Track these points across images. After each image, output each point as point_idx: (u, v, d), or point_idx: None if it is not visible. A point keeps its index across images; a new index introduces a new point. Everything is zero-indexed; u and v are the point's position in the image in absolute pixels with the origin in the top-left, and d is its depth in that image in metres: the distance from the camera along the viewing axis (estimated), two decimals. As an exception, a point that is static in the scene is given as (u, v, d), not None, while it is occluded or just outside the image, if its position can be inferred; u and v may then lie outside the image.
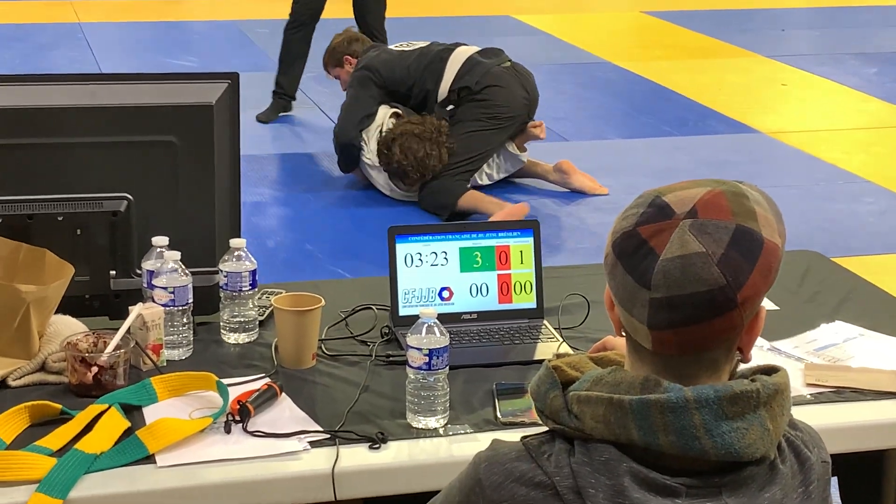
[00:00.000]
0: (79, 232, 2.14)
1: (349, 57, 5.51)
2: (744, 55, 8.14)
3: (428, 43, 5.44)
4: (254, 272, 2.20)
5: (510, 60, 5.38)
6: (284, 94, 6.38)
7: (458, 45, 5.41)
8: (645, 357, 1.36)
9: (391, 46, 5.53)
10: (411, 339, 1.94)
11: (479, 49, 5.38)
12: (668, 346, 1.33)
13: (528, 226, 2.38)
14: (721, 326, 1.31)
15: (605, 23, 9.37)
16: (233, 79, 2.28)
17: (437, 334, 1.94)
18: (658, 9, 9.70)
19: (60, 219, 2.13)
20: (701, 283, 1.29)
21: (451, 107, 5.25)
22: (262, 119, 6.29)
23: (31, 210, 2.12)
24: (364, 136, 5.19)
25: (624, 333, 1.38)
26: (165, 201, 2.24)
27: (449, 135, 5.09)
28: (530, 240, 2.37)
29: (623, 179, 5.53)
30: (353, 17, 6.47)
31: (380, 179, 5.18)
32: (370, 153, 5.16)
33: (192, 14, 9.26)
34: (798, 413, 1.45)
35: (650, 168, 5.72)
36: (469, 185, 5.14)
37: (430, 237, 2.33)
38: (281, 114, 6.40)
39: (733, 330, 1.33)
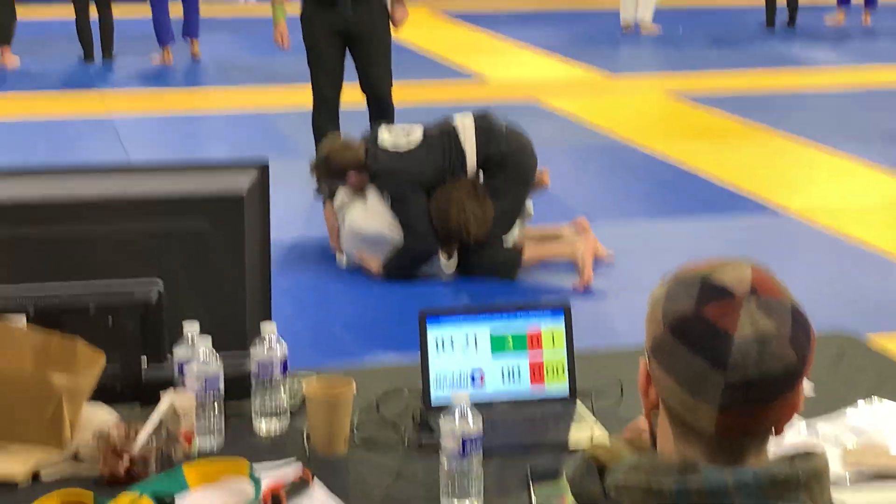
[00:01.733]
0: (110, 320, 2.15)
1: (353, 172, 5.34)
2: (771, 136, 8.16)
3: (420, 128, 5.44)
4: (285, 358, 2.20)
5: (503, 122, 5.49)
6: None
7: (447, 119, 5.45)
8: (697, 440, 1.34)
9: (387, 144, 5.37)
10: (444, 425, 1.93)
11: (473, 115, 5.45)
12: (733, 428, 1.32)
13: (559, 308, 2.37)
14: (786, 404, 1.31)
15: (630, 106, 9.42)
16: (263, 167, 2.30)
17: (471, 419, 1.93)
18: (682, 91, 9.75)
19: (92, 307, 2.14)
20: (776, 361, 1.30)
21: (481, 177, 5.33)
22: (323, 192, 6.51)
23: (62, 299, 2.13)
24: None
25: (667, 416, 1.37)
26: (196, 288, 2.25)
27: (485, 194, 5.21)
28: (561, 322, 2.36)
29: (651, 262, 5.52)
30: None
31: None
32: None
33: (220, 105, 9.38)
34: (838, 495, 1.42)
35: (677, 249, 5.70)
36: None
37: (462, 320, 2.32)
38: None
39: (793, 408, 1.32)
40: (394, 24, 6.64)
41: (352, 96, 6.76)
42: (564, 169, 7.34)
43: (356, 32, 6.49)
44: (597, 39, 12.88)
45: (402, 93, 9.34)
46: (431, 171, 5.27)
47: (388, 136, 5.35)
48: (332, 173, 5.36)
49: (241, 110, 9.09)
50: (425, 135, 5.37)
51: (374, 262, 5.26)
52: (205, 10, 14.87)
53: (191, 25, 11.19)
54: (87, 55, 10.83)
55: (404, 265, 5.23)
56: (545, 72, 11.03)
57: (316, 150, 6.57)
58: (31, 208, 2.19)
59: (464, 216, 5.11)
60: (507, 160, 5.31)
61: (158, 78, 10.55)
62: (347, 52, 6.60)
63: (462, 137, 5.33)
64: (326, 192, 5.49)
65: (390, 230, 5.24)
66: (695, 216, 6.29)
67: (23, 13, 11.85)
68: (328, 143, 5.52)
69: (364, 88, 6.68)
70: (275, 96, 9.42)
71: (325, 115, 6.63)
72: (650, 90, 10.04)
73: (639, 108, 9.38)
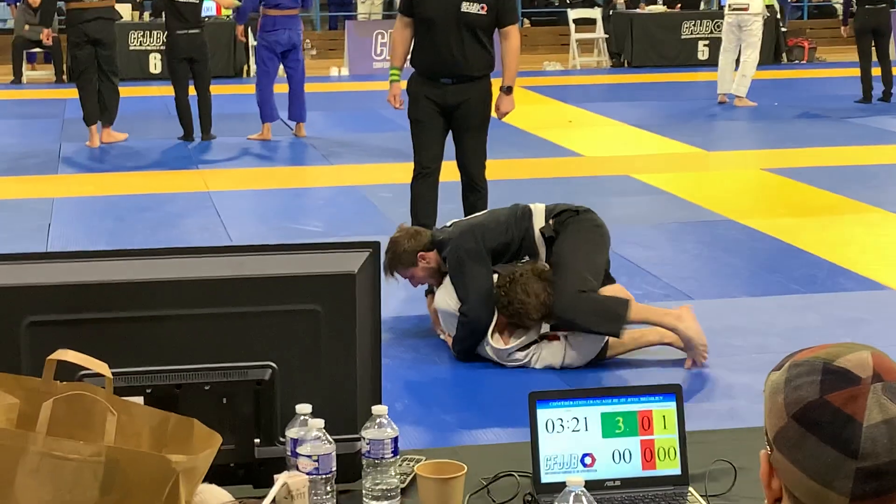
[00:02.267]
0: (225, 401, 2.17)
1: (423, 252, 5.34)
2: (871, 211, 8.05)
3: (489, 210, 5.54)
4: (395, 439, 2.20)
5: None
6: None
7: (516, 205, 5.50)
8: None
9: (453, 221, 5.51)
10: (560, 509, 1.91)
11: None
12: None
13: (670, 390, 2.35)
14: None
15: (726, 181, 9.37)
16: (374, 248, 2.32)
17: (585, 503, 1.90)
18: (779, 166, 9.67)
19: (207, 388, 2.16)
20: None
21: (552, 234, 5.27)
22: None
23: (178, 380, 2.16)
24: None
25: None
26: (308, 369, 2.26)
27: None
28: (673, 404, 2.33)
29: (753, 339, 5.45)
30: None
31: (490, 355, 5.13)
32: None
33: (317, 181, 9.50)
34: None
35: (780, 327, 5.62)
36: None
37: (571, 402, 2.31)
38: None
39: None
40: (497, 114, 6.71)
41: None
42: (662, 245, 7.30)
43: (457, 110, 6.57)
44: (691, 114, 12.85)
45: (491, 168, 9.41)
46: (494, 237, 5.23)
47: (455, 221, 5.52)
48: (406, 262, 5.34)
49: (337, 186, 9.20)
50: (492, 209, 5.44)
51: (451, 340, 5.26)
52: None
53: (298, 109, 11.40)
54: (187, 134, 11.07)
55: (463, 337, 5.10)
56: (639, 147, 11.02)
57: (413, 222, 6.69)
58: (147, 289, 2.23)
59: (526, 297, 4.96)
60: (582, 213, 5.29)
61: (256, 155, 10.73)
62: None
63: (533, 211, 5.36)
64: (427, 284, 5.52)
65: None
66: (797, 292, 6.20)
67: (123, 91, 12.17)
68: (396, 232, 5.53)
69: (459, 166, 6.75)
70: (373, 172, 9.53)
71: (423, 184, 6.72)
72: (746, 165, 9.97)
73: (735, 182, 9.32)
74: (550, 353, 5.05)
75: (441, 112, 6.59)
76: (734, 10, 13.01)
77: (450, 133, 6.71)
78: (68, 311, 2.18)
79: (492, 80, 6.72)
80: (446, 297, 5.21)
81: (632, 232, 7.54)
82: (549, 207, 5.37)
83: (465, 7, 6.44)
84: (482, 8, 6.45)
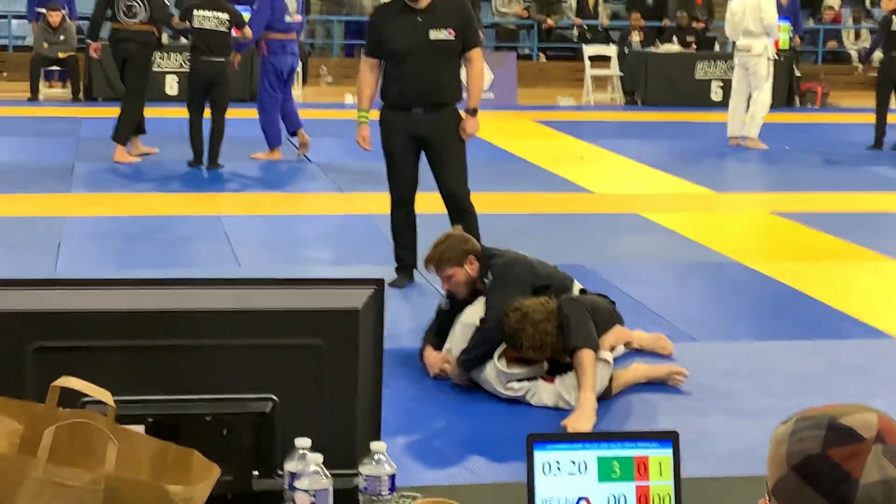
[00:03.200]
0: (225, 432, 2.19)
1: (473, 256, 5.41)
2: (878, 259, 8.06)
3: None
4: (393, 476, 2.22)
5: None
6: (406, 266, 6.93)
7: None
8: None
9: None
10: (552, 553, 1.92)
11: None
12: None
13: (667, 437, 2.36)
14: None
15: (734, 223, 9.38)
16: (378, 284, 2.34)
17: (578, 548, 1.92)
18: (788, 210, 9.68)
19: (208, 419, 2.18)
20: None
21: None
22: (396, 284, 6.80)
23: (180, 410, 2.18)
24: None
25: None
26: (309, 403, 2.28)
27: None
28: (669, 451, 2.34)
29: (756, 382, 5.46)
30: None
31: (490, 375, 5.14)
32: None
33: (327, 208, 9.54)
34: None
35: (784, 371, 5.63)
36: None
37: (569, 445, 2.32)
38: (407, 283, 6.87)
39: None
40: (463, 135, 6.78)
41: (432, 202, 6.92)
42: (667, 284, 7.32)
43: (430, 138, 6.66)
44: (702, 154, 12.89)
45: (500, 202, 9.46)
46: (539, 274, 5.37)
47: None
48: (454, 259, 5.38)
49: (347, 213, 9.24)
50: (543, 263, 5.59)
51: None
52: (311, 113, 15.20)
53: (294, 117, 11.49)
54: (196, 159, 11.03)
55: (475, 346, 5.12)
56: (649, 185, 11.05)
57: (395, 248, 6.88)
58: (152, 319, 2.25)
59: (536, 333, 4.99)
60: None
61: (268, 181, 10.78)
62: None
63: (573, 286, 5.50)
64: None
65: None
66: (801, 338, 6.20)
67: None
68: (451, 230, 5.70)
69: (442, 194, 6.81)
70: (380, 201, 9.55)
71: (401, 215, 6.88)
72: (754, 207, 9.99)
73: (743, 225, 9.34)
74: (546, 394, 5.07)
75: (414, 142, 6.69)
76: (740, 51, 13.08)
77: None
78: (74, 337, 2.21)
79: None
80: (474, 315, 5.27)
81: (639, 271, 7.56)
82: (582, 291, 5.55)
83: (433, 35, 6.57)
84: (450, 32, 6.60)
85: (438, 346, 5.39)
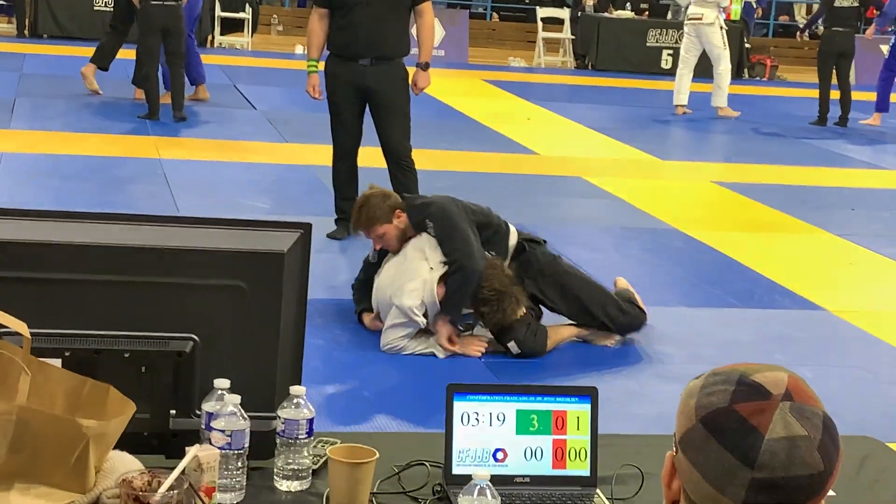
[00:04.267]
0: (143, 370, 2.18)
1: (399, 211, 5.30)
2: (813, 232, 8.15)
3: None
4: (311, 420, 2.22)
5: None
6: (346, 218, 6.80)
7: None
8: None
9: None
10: (463, 501, 1.94)
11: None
12: None
13: (586, 392, 2.38)
14: None
15: (676, 191, 9.44)
16: (305, 229, 2.33)
17: (489, 497, 1.94)
18: (729, 180, 9.76)
19: (127, 356, 2.17)
20: (804, 466, 1.31)
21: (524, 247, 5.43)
22: (335, 236, 6.89)
23: (98, 345, 2.16)
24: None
25: None
26: (230, 344, 2.27)
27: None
28: (588, 406, 2.36)
29: (686, 349, 5.51)
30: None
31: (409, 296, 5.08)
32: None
33: (270, 157, 9.47)
34: None
35: (714, 339, 5.69)
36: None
37: (489, 397, 2.34)
38: (347, 235, 6.83)
39: None
40: (414, 89, 6.76)
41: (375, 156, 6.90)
42: (606, 248, 7.36)
43: (375, 90, 6.63)
44: (649, 121, 12.94)
45: (444, 159, 9.45)
46: (475, 211, 5.34)
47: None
48: (382, 217, 5.25)
49: (289, 164, 9.18)
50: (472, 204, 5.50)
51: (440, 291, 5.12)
52: (261, 62, 15.10)
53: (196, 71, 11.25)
54: (153, 113, 10.39)
55: (457, 288, 5.04)
56: (595, 150, 11.09)
57: (336, 199, 6.87)
58: (73, 252, 2.23)
59: (506, 298, 5.05)
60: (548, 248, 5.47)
61: (211, 126, 10.68)
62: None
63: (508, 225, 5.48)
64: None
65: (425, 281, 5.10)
66: (733, 306, 6.27)
67: (81, 51, 12.06)
68: (368, 190, 5.51)
69: (383, 148, 6.79)
70: (324, 153, 9.50)
71: (343, 167, 6.85)
72: (697, 176, 10.05)
73: (684, 193, 9.39)
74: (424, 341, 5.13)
75: (358, 93, 6.67)
76: (691, 20, 13.12)
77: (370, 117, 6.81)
78: (-6, 268, 2.18)
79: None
80: (415, 259, 5.14)
81: (578, 233, 7.60)
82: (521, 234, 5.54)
83: None
84: None
85: (367, 298, 5.37)
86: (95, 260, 2.24)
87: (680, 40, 17.59)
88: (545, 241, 5.61)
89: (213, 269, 2.27)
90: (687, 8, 13.37)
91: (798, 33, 14.30)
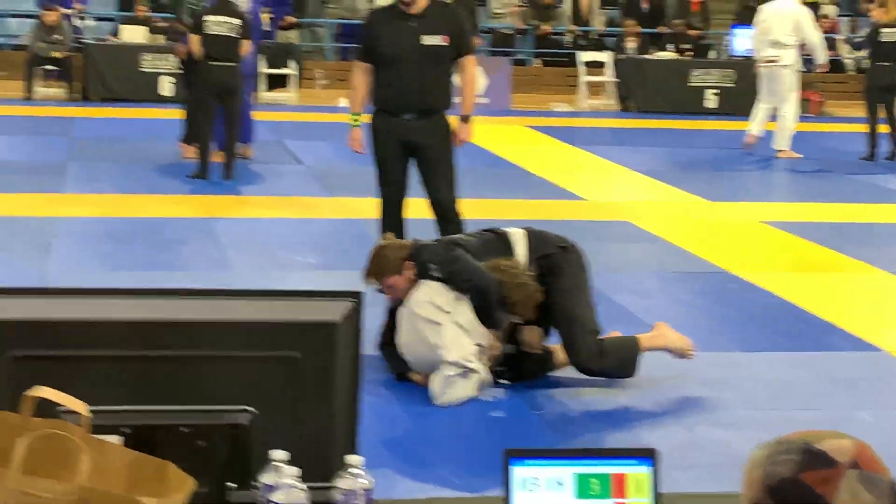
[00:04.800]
0: (200, 444, 2.19)
1: (408, 262, 5.33)
2: (867, 270, 8.06)
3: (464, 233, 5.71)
4: (369, 490, 2.21)
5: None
6: None
7: (496, 227, 5.64)
8: None
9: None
10: (524, 571, 1.92)
11: (524, 227, 5.63)
12: None
13: (646, 454, 2.36)
14: None
15: (726, 232, 9.39)
16: (357, 298, 2.34)
17: (550, 566, 1.92)
18: (779, 219, 9.69)
19: (185, 430, 2.18)
20: None
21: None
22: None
23: (156, 421, 2.18)
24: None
25: None
26: (285, 415, 2.28)
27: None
28: (647, 468, 2.34)
29: (741, 394, 5.46)
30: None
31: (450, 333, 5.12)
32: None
33: (318, 212, 9.53)
34: None
35: (769, 383, 5.64)
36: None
37: (546, 462, 2.32)
38: None
39: None
40: (456, 142, 6.79)
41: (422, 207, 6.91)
42: (657, 294, 7.32)
43: (419, 144, 6.67)
44: (695, 162, 12.90)
45: (491, 208, 9.46)
46: (475, 253, 5.33)
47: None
48: (391, 269, 5.32)
49: (337, 218, 9.23)
50: (471, 233, 5.57)
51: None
52: (305, 116, 15.21)
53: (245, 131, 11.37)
54: (203, 171, 10.44)
55: (487, 305, 5.15)
56: (642, 193, 11.06)
57: None
58: (128, 329, 2.25)
59: (514, 286, 5.14)
60: (568, 255, 5.44)
61: (258, 185, 10.76)
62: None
63: (512, 240, 5.47)
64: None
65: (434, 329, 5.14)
66: (787, 349, 6.21)
67: (130, 112, 12.26)
68: (382, 241, 5.62)
69: (429, 201, 6.81)
70: (371, 206, 9.55)
71: (391, 220, 6.83)
72: (746, 216, 9.99)
73: (733, 234, 9.34)
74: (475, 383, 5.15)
75: (403, 147, 6.70)
76: (766, 61, 13.02)
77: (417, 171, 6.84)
78: (53, 347, 2.21)
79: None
80: (431, 313, 5.15)
81: (628, 279, 7.57)
82: (531, 241, 5.45)
83: (425, 40, 6.58)
84: (443, 39, 6.61)
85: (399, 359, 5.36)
86: (150, 335, 2.26)
87: (723, 79, 17.62)
88: (567, 248, 5.55)
89: (266, 340, 2.28)
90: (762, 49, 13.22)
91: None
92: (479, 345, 5.14)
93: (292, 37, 18.86)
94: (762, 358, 6.06)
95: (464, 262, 5.24)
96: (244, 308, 2.31)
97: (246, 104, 11.21)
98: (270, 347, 2.28)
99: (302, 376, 2.28)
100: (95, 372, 2.22)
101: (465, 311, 5.14)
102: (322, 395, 2.29)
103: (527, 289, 5.23)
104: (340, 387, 2.31)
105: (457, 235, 5.56)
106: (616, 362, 5.37)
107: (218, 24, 10.35)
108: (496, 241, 5.47)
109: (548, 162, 12.43)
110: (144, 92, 16.25)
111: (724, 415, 5.19)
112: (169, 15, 16.77)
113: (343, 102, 17.17)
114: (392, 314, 5.46)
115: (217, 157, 10.60)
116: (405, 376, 5.39)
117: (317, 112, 16.18)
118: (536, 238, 5.51)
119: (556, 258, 5.42)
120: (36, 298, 2.27)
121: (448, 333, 5.08)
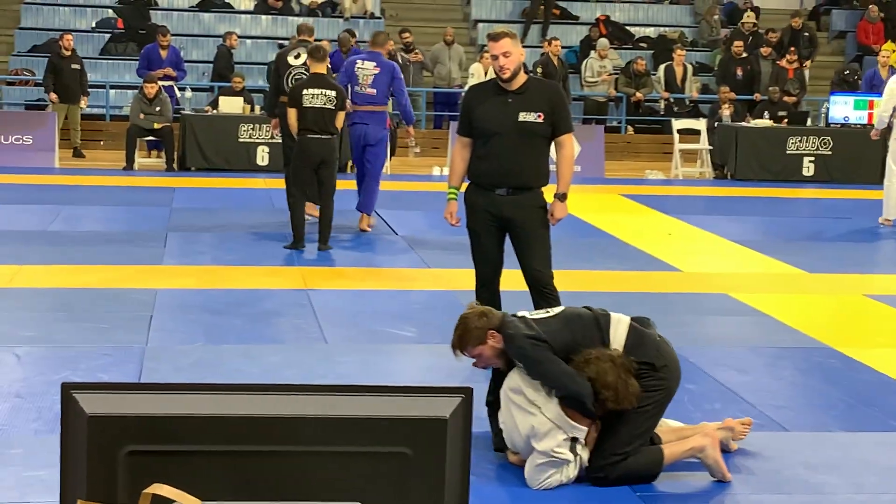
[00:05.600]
0: (311, 541, 2.19)
1: (493, 331, 5.28)
2: (974, 345, 7.86)
3: (561, 308, 5.49)
4: (478, 590, 2.19)
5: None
6: None
7: (605, 310, 5.43)
8: None
9: (525, 313, 5.45)
10: None
11: (632, 317, 5.40)
12: None
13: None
14: None
15: (827, 305, 9.23)
16: (466, 393, 2.34)
17: None
18: (882, 292, 9.51)
19: (295, 527, 2.18)
20: None
21: None
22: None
23: (267, 517, 2.18)
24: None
25: None
26: (395, 511, 2.27)
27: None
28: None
29: (848, 477, 5.33)
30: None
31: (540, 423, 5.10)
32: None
33: (413, 284, 9.56)
34: None
35: (877, 465, 5.49)
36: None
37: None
38: None
39: None
40: (551, 220, 6.76)
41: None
42: (758, 370, 7.20)
43: (513, 220, 6.66)
44: (793, 232, 12.74)
45: (586, 280, 9.41)
46: (562, 341, 5.21)
47: (528, 312, 5.46)
48: (474, 340, 5.28)
49: (432, 290, 9.25)
50: (567, 310, 5.41)
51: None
52: (399, 185, 15.32)
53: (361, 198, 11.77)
54: (297, 242, 10.67)
55: (584, 405, 5.09)
56: (739, 264, 10.94)
57: None
58: (242, 424, 2.27)
59: (608, 378, 5.03)
60: (659, 372, 5.23)
61: (353, 255, 10.85)
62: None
63: (612, 328, 5.30)
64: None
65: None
66: (895, 429, 6.05)
67: (228, 182, 12.43)
68: (467, 309, 5.49)
69: (524, 275, 6.78)
70: (466, 277, 9.57)
71: (486, 293, 6.80)
72: (848, 290, 9.82)
73: (835, 308, 9.18)
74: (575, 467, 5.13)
75: (496, 222, 6.70)
76: None
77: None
78: (166, 442, 2.23)
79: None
80: (523, 403, 5.15)
81: (728, 354, 7.46)
82: (630, 338, 5.30)
83: (522, 117, 6.57)
84: (539, 116, 6.60)
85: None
86: (261, 431, 2.27)
87: (822, 146, 17.49)
88: (659, 367, 5.34)
89: (377, 436, 2.28)
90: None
91: (874, 130, 13.79)
92: (572, 438, 5.10)
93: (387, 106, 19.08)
94: (869, 439, 5.91)
95: (547, 367, 5.13)
96: (354, 403, 2.32)
97: (376, 174, 11.80)
98: (380, 443, 2.28)
99: (412, 472, 2.27)
100: (208, 467, 2.24)
101: (554, 407, 5.11)
102: (432, 491, 2.28)
103: (627, 386, 5.06)
104: (451, 482, 2.30)
105: (541, 316, 5.41)
106: (623, 480, 5.16)
107: (314, 96, 10.53)
108: (590, 323, 5.35)
109: (642, 231, 12.36)
110: (243, 162, 16.58)
111: (831, 499, 5.06)
112: (264, 86, 17.12)
113: (437, 171, 17.33)
114: (498, 374, 5.47)
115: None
116: (502, 451, 5.39)
117: (411, 181, 16.32)
118: (637, 336, 5.31)
119: (641, 372, 5.27)
120: (149, 394, 2.30)
121: (539, 425, 5.08)
